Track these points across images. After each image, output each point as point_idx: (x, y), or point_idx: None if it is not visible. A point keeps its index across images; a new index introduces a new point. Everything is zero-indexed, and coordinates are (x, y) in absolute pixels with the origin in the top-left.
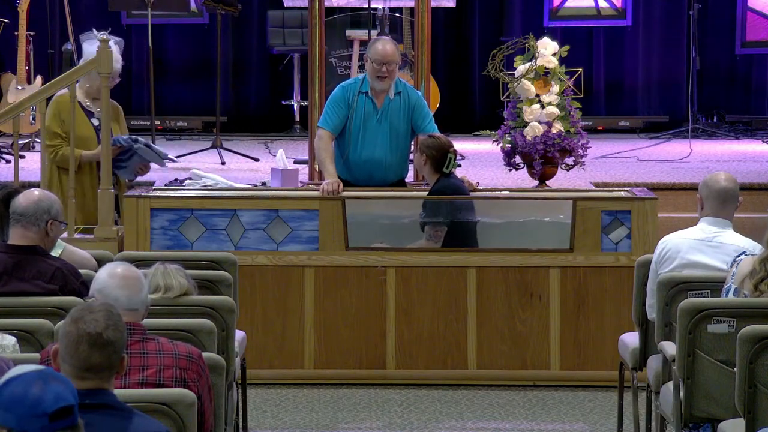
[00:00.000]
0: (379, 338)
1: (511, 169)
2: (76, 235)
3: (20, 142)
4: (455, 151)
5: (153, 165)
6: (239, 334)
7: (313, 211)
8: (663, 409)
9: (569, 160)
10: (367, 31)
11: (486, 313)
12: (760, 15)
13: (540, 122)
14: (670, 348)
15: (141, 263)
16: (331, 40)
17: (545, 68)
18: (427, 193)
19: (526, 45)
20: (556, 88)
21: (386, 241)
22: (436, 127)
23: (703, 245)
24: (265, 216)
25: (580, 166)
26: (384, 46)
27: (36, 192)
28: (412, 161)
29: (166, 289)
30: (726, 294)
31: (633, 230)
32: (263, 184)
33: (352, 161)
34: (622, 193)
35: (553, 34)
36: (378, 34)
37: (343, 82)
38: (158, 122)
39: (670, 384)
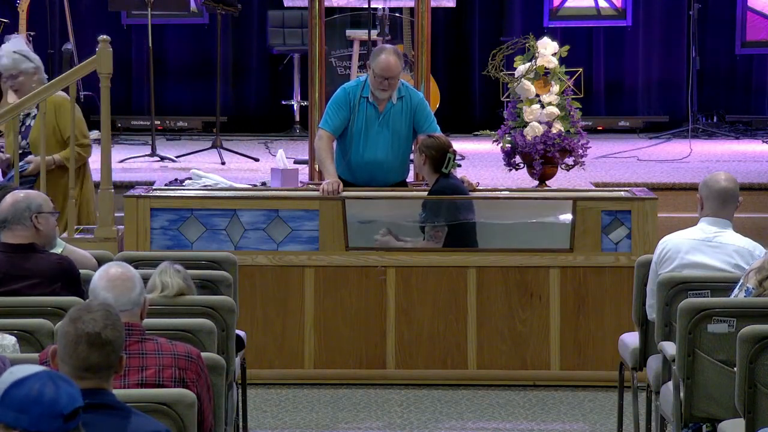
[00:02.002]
0: (379, 338)
1: (511, 169)
2: (76, 235)
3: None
4: (454, 151)
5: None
6: (239, 334)
7: (313, 211)
8: (663, 409)
9: (569, 160)
10: (367, 31)
11: (486, 313)
12: (760, 15)
13: (540, 122)
14: (670, 348)
15: (141, 263)
16: (331, 40)
17: (545, 68)
18: (426, 193)
19: (526, 45)
20: (556, 88)
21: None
22: (439, 129)
23: (703, 245)
24: (265, 216)
25: (580, 166)
26: (387, 58)
27: (12, 194)
28: (412, 161)
29: (162, 287)
30: (735, 287)
31: (633, 230)
32: (263, 184)
33: (353, 163)
34: (622, 193)
35: (553, 34)
36: (378, 34)
37: (345, 84)
38: (158, 122)
39: (670, 384)
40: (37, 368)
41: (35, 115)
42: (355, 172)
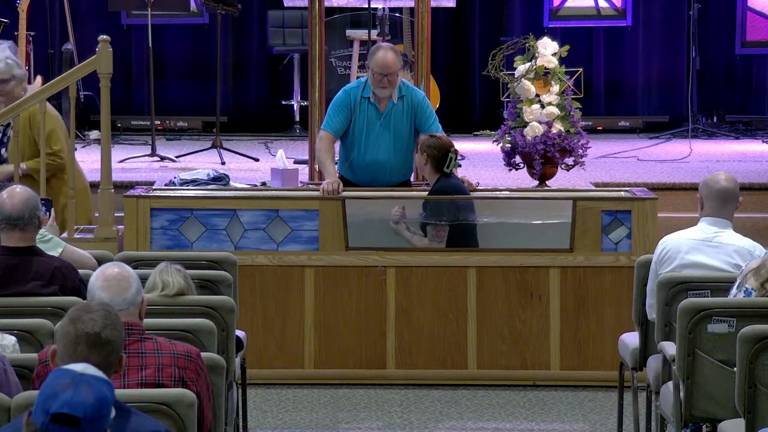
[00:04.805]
0: (379, 338)
1: (511, 169)
2: (77, 235)
3: None
4: (456, 150)
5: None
6: (239, 334)
7: (313, 211)
8: (663, 409)
9: (569, 160)
10: (367, 31)
11: (486, 313)
12: (760, 15)
13: (540, 122)
14: (670, 348)
15: (141, 263)
16: (331, 40)
17: (545, 68)
18: (427, 193)
19: (526, 45)
20: (556, 88)
21: (386, 241)
22: (441, 128)
23: (703, 245)
24: (265, 216)
25: (580, 166)
26: (385, 55)
27: (19, 191)
28: None
29: (163, 286)
30: (732, 288)
31: (633, 230)
32: (263, 184)
33: (355, 164)
34: (622, 193)
35: (553, 34)
36: (378, 34)
37: (347, 86)
38: (158, 122)
39: (670, 384)
40: (82, 369)
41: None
42: (357, 172)
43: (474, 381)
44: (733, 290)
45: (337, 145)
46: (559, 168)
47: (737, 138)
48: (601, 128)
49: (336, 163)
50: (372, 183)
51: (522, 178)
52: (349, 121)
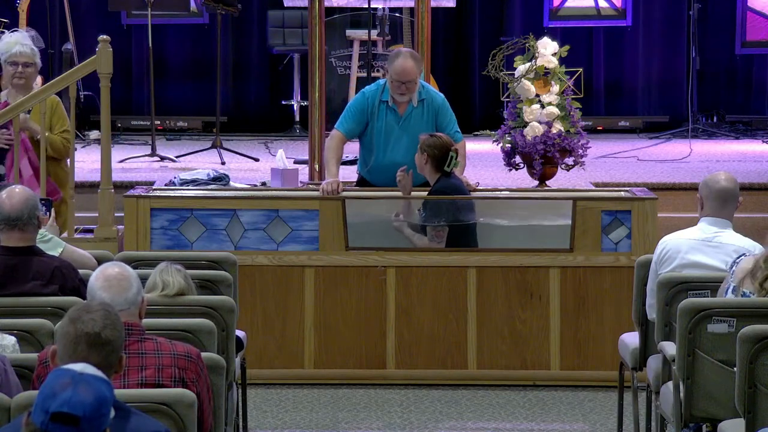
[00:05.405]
0: (379, 338)
1: (511, 169)
2: (77, 235)
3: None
4: (456, 150)
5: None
6: (239, 334)
7: (313, 211)
8: (663, 409)
9: (569, 160)
10: (367, 31)
11: (486, 313)
12: (760, 15)
13: (540, 122)
14: (670, 348)
15: (141, 263)
16: (331, 40)
17: (545, 68)
18: (427, 192)
19: (526, 45)
20: (556, 88)
21: (386, 241)
22: (460, 132)
23: (703, 245)
24: (265, 216)
25: (580, 166)
26: (404, 62)
27: (18, 191)
28: None
29: (163, 286)
30: (725, 293)
31: (633, 230)
32: (263, 184)
33: (374, 166)
34: (622, 193)
35: (553, 34)
36: (378, 34)
37: (366, 88)
38: (158, 122)
39: (670, 384)
40: (81, 368)
41: (29, 111)
42: (375, 174)
43: (474, 381)
44: (729, 294)
45: (356, 146)
46: (559, 168)
47: (737, 138)
48: (601, 128)
49: (355, 163)
50: (390, 185)
51: (522, 178)
52: (363, 125)
